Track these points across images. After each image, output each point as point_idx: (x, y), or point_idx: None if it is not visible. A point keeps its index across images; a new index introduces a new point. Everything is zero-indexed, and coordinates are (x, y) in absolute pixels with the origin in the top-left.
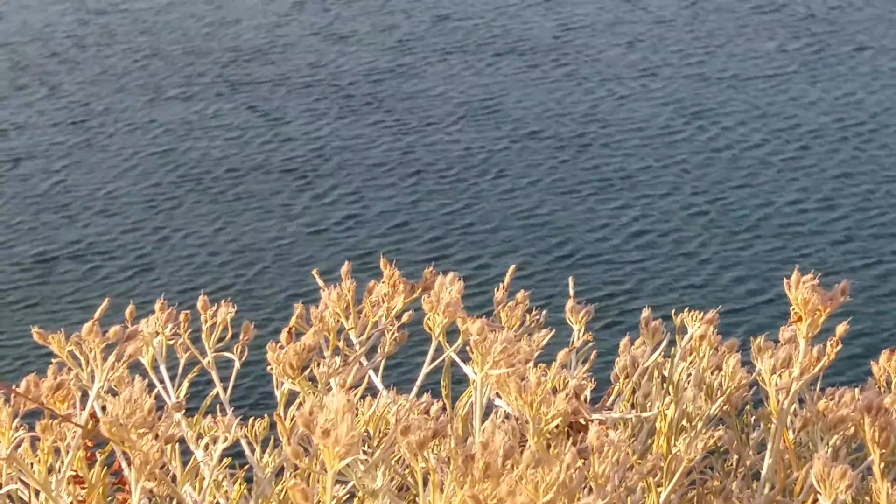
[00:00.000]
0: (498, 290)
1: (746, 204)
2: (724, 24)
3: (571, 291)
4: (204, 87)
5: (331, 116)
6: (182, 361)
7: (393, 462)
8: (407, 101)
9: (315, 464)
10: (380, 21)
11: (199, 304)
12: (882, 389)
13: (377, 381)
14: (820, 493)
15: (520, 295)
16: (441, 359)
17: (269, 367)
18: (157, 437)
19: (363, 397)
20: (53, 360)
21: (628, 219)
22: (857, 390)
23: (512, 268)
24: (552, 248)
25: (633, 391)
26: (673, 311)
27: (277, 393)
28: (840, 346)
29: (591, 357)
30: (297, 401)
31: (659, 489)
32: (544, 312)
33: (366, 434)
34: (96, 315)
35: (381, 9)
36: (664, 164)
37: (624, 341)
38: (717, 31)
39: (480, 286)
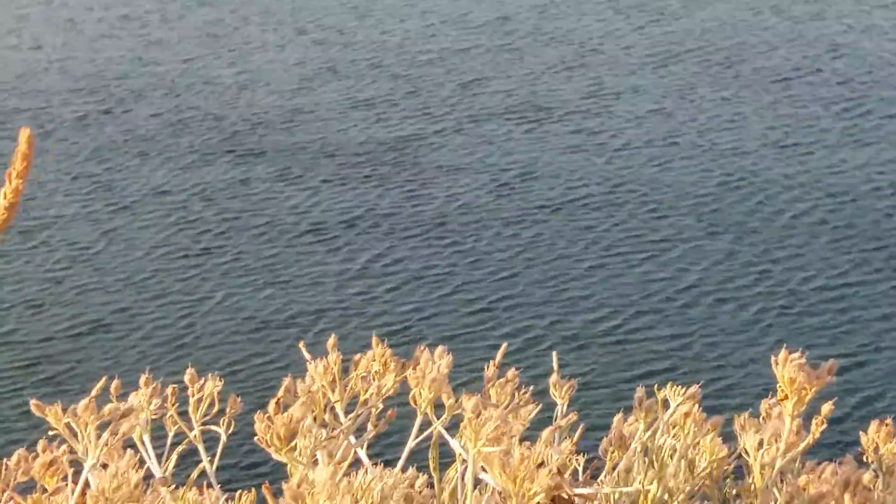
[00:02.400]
0: (488, 367)
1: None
2: (759, 88)
3: (556, 365)
4: (223, 152)
5: (356, 181)
6: (171, 435)
7: None
8: (433, 168)
9: None
10: (403, 86)
11: (187, 378)
12: (869, 460)
13: (363, 456)
14: None
15: (510, 373)
16: (428, 432)
17: (256, 438)
18: None
19: (348, 472)
20: (49, 433)
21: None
22: (836, 465)
23: (503, 346)
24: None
25: (615, 466)
26: (655, 386)
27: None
28: (825, 426)
29: (578, 431)
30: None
31: None
32: (531, 388)
33: None
34: (93, 392)
35: (405, 74)
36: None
37: (617, 418)
38: (747, 96)
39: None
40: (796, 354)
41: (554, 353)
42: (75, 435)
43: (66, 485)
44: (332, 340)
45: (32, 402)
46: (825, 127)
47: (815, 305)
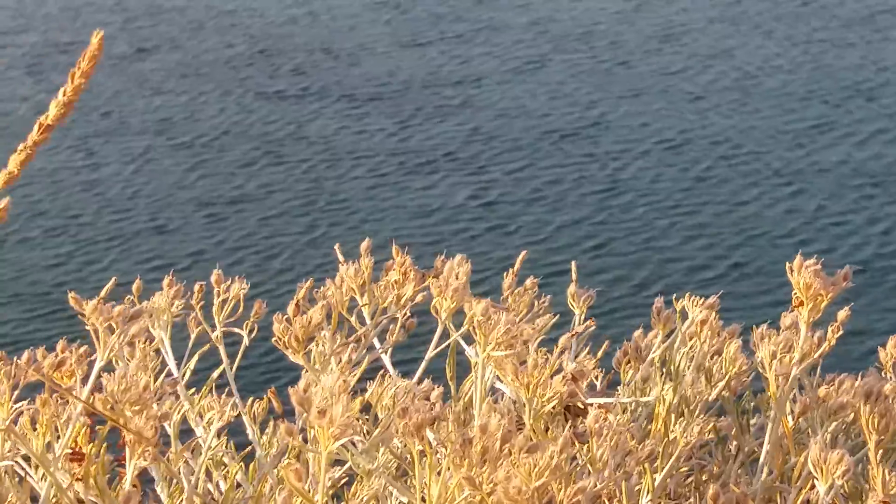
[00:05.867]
0: (507, 275)
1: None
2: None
3: (574, 276)
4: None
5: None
6: (192, 337)
7: (392, 444)
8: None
9: (312, 444)
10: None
11: (213, 279)
12: (889, 376)
13: (388, 363)
14: (816, 479)
15: (528, 281)
16: (447, 343)
17: (273, 340)
18: (149, 413)
19: (367, 380)
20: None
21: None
22: (857, 377)
23: (523, 254)
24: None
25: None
26: (674, 297)
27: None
28: (841, 332)
29: (604, 346)
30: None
31: (655, 474)
32: (548, 297)
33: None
34: (101, 294)
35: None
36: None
37: (637, 333)
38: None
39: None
40: (811, 260)
41: (573, 263)
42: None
43: (77, 385)
44: (365, 244)
45: (71, 295)
46: None
47: (841, 216)
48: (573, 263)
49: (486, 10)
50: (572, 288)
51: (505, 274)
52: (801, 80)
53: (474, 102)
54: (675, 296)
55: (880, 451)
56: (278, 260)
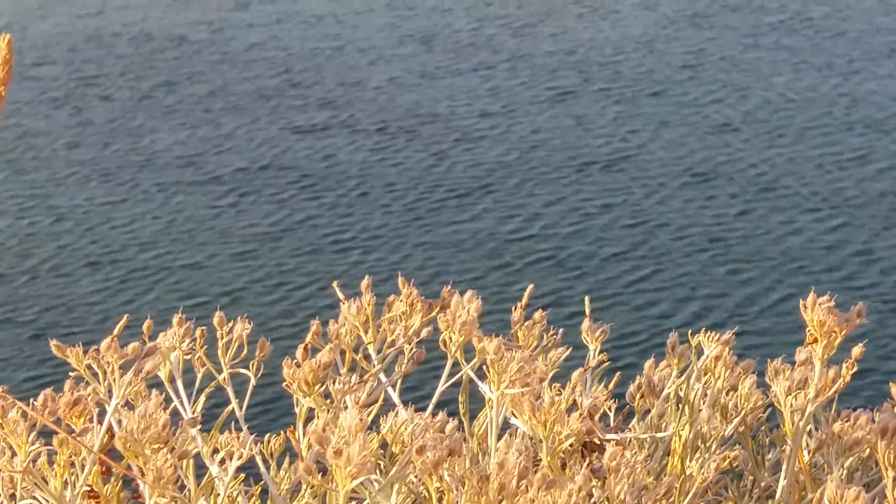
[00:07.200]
0: (515, 309)
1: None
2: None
3: (588, 310)
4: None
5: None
6: (199, 377)
7: (408, 480)
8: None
9: (330, 482)
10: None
11: (216, 320)
12: None
13: (395, 397)
14: None
15: (537, 315)
16: (458, 377)
17: (284, 384)
18: (171, 452)
19: (380, 415)
20: (71, 374)
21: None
22: (873, 412)
23: (530, 287)
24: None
25: (647, 411)
26: (689, 333)
27: (297, 409)
28: (856, 368)
29: (615, 378)
30: (314, 417)
31: None
32: (561, 331)
33: (381, 452)
34: (115, 331)
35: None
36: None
37: (649, 363)
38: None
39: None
40: (825, 297)
41: (586, 298)
42: (96, 376)
43: (93, 426)
44: (365, 282)
45: (53, 343)
46: None
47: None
48: (586, 298)
49: (517, 40)
50: (586, 323)
51: (513, 308)
52: (838, 110)
53: (506, 133)
54: (689, 331)
55: None
56: (311, 295)
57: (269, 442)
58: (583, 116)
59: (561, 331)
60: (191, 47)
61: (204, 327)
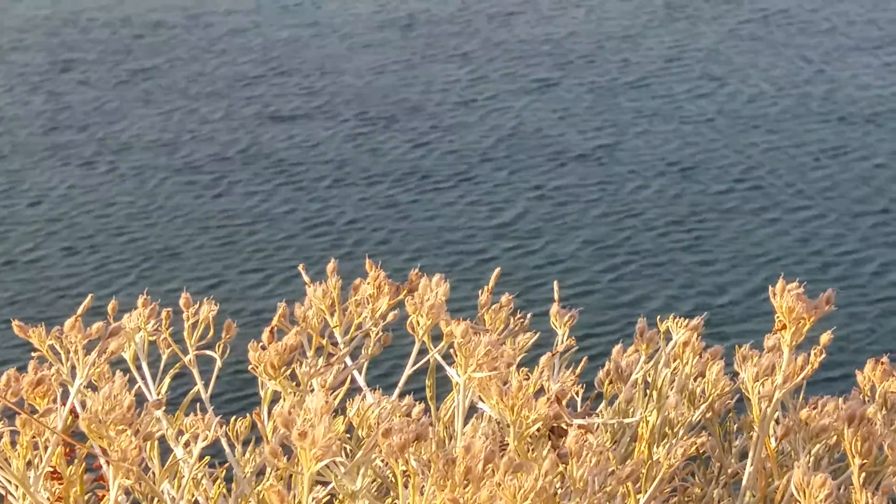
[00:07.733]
0: (482, 292)
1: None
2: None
3: (556, 295)
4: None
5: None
6: (164, 358)
7: (374, 463)
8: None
9: (295, 465)
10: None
11: (182, 302)
12: (866, 399)
13: (361, 382)
14: (799, 502)
15: (504, 298)
16: (425, 360)
17: (249, 367)
18: (135, 433)
19: (347, 398)
20: (34, 355)
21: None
22: (840, 400)
23: (497, 270)
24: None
25: (616, 397)
26: (658, 319)
27: (262, 392)
28: (824, 356)
29: (581, 363)
30: (280, 400)
31: (639, 495)
32: (529, 315)
33: (347, 436)
34: (79, 311)
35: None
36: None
37: (617, 348)
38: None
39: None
40: (794, 284)
41: (555, 283)
42: (59, 356)
43: (56, 406)
44: (331, 265)
45: (14, 322)
46: None
47: (822, 241)
48: (555, 283)
49: (497, 29)
50: (554, 308)
51: (480, 291)
52: (813, 102)
53: (485, 122)
54: (658, 317)
55: (863, 475)
56: (288, 280)
57: (234, 424)
58: (561, 106)
59: (529, 316)
60: (168, 32)
61: (170, 308)
